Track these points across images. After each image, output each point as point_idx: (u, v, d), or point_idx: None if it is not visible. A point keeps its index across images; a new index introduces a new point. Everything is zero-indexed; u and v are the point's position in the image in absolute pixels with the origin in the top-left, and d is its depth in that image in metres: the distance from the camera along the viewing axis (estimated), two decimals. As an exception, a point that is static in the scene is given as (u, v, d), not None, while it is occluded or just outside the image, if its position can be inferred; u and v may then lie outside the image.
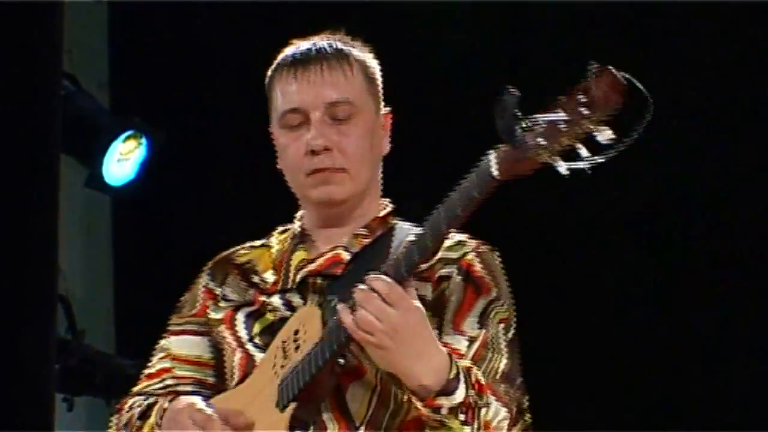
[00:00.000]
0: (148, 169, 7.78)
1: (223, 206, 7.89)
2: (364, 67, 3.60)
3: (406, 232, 3.50)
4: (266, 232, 3.90)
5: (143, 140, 7.70)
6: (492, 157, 3.09)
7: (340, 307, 3.29)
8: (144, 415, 3.54)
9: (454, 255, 3.47)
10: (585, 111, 2.98)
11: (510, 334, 3.48)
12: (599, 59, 3.23)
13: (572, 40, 7.89)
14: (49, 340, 7.21)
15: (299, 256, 3.58)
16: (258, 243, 3.75)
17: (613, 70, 2.98)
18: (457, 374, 3.23)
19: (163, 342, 3.74)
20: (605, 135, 2.95)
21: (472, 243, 3.51)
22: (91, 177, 7.65)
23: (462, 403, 3.23)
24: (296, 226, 3.65)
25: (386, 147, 3.63)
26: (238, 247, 3.76)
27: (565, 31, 8.05)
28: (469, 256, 3.48)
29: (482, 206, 3.13)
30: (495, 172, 3.07)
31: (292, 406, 3.36)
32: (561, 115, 3.01)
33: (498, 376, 3.42)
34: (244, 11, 7.77)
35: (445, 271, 3.45)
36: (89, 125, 7.75)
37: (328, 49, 3.56)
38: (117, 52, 8.40)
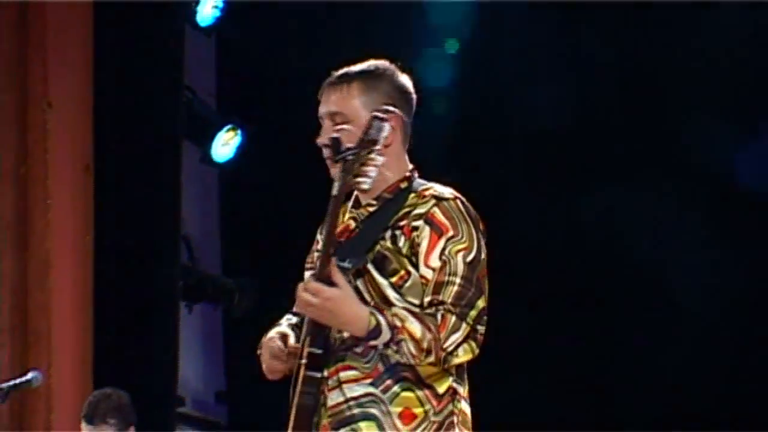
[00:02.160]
0: (243, 151, 9.11)
1: (297, 177, 8.38)
2: (357, 85, 3.84)
3: (415, 186, 3.84)
4: (325, 200, 4.10)
5: (239, 131, 9.06)
6: (335, 183, 3.69)
7: (343, 262, 3.74)
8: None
9: (422, 210, 3.74)
10: (361, 146, 3.62)
11: (469, 258, 3.74)
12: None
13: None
14: (175, 266, 8.71)
15: (346, 217, 3.93)
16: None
17: (372, 114, 3.65)
18: (378, 325, 3.64)
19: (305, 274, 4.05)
20: (373, 162, 3.64)
21: (438, 196, 3.77)
22: (204, 156, 9.05)
23: (390, 339, 3.65)
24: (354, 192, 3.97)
25: (395, 138, 3.82)
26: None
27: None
28: (433, 209, 3.74)
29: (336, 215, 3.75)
30: (335, 192, 3.66)
31: (308, 338, 3.77)
32: (352, 150, 3.63)
33: (451, 296, 3.71)
34: (309, 38, 8.95)
35: (415, 223, 3.73)
36: (202, 120, 9.11)
37: (334, 75, 3.89)
38: (220, 73, 9.55)
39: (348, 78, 3.80)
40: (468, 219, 3.74)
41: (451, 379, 3.77)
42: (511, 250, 5.97)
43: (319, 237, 3.91)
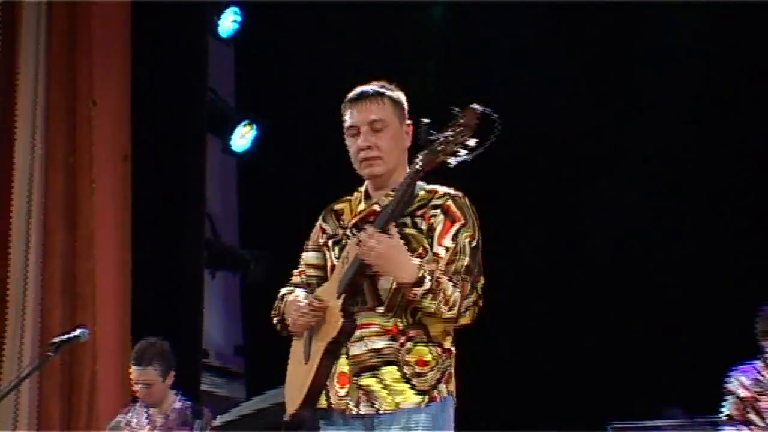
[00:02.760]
0: (258, 142, 9.19)
1: (303, 165, 8.95)
2: (389, 100, 3.93)
3: (418, 188, 3.88)
4: (326, 184, 4.49)
5: (255, 125, 9.14)
6: (419, 157, 3.64)
7: (350, 242, 3.83)
8: (284, 298, 4.01)
9: (438, 202, 3.82)
10: (460, 130, 3.51)
11: (474, 244, 3.82)
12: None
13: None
14: (200, 239, 8.79)
15: (361, 206, 3.97)
16: (349, 197, 4.05)
17: (475, 106, 3.53)
18: (423, 276, 3.67)
19: (303, 255, 4.09)
20: (471, 142, 3.50)
21: (450, 193, 3.85)
22: (224, 147, 9.17)
23: (428, 290, 3.68)
24: (363, 188, 4.00)
25: (408, 143, 3.94)
26: (340, 199, 4.07)
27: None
28: (448, 202, 3.83)
29: (416, 182, 3.70)
30: (419, 165, 3.63)
31: (342, 296, 3.79)
32: (447, 133, 3.53)
33: (462, 269, 3.77)
34: (313, 47, 8.98)
35: (433, 212, 3.81)
36: (223, 116, 9.18)
37: (369, 92, 3.95)
38: (238, 76, 9.58)
39: (381, 94, 3.89)
40: (472, 213, 3.83)
41: (449, 339, 3.84)
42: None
43: (321, 223, 4.00)
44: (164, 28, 8.42)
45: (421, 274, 3.65)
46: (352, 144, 3.88)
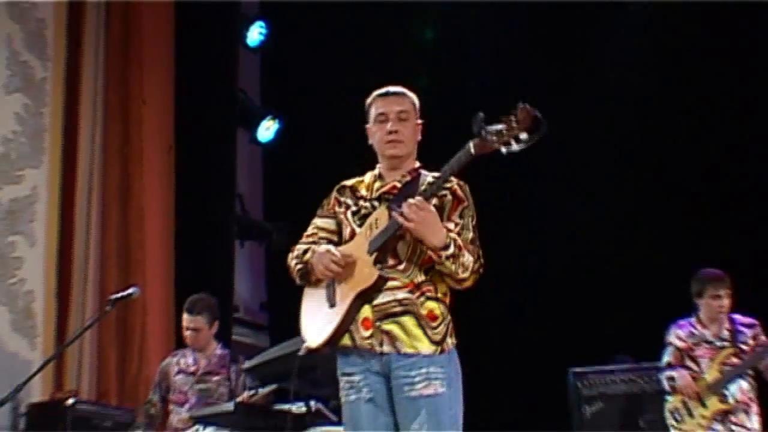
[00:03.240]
0: (280, 134, 9.13)
1: (318, 152, 8.77)
2: (410, 98, 3.90)
3: (424, 176, 3.83)
4: (336, 168, 4.25)
5: (277, 119, 9.09)
6: (471, 144, 3.49)
7: (399, 208, 3.67)
8: (304, 253, 3.88)
9: (448, 186, 3.76)
10: (514, 124, 3.41)
11: (474, 222, 3.79)
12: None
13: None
14: (232, 214, 8.79)
15: (377, 184, 3.89)
16: (360, 177, 3.96)
17: (527, 106, 3.39)
18: (449, 242, 3.63)
19: (314, 220, 3.97)
20: (524, 135, 3.39)
21: (455, 181, 3.78)
22: (251, 138, 9.12)
23: (451, 254, 3.64)
24: (377, 170, 3.92)
25: (419, 137, 3.89)
26: (351, 179, 3.96)
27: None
28: (455, 186, 3.79)
29: (465, 167, 3.53)
30: (472, 151, 3.50)
31: (375, 253, 3.72)
32: (501, 126, 3.43)
33: (468, 241, 3.75)
34: (327, 55, 8.80)
35: (443, 193, 3.75)
36: (251, 112, 9.12)
37: (396, 90, 3.91)
38: (264, 78, 9.48)
39: (404, 93, 3.89)
40: (471, 198, 3.83)
41: (448, 298, 3.81)
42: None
43: (336, 195, 3.93)
44: (202, 38, 8.36)
45: (448, 240, 3.63)
46: (379, 129, 3.86)
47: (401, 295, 3.72)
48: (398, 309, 3.71)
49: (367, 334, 3.71)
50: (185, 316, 6.16)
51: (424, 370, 3.66)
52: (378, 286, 3.69)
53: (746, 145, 7.78)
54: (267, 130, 9.12)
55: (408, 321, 3.71)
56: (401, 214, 3.59)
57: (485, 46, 8.61)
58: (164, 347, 7.23)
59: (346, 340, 3.75)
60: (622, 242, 8.11)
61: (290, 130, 9.13)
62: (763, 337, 6.19)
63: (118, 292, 5.62)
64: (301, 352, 3.96)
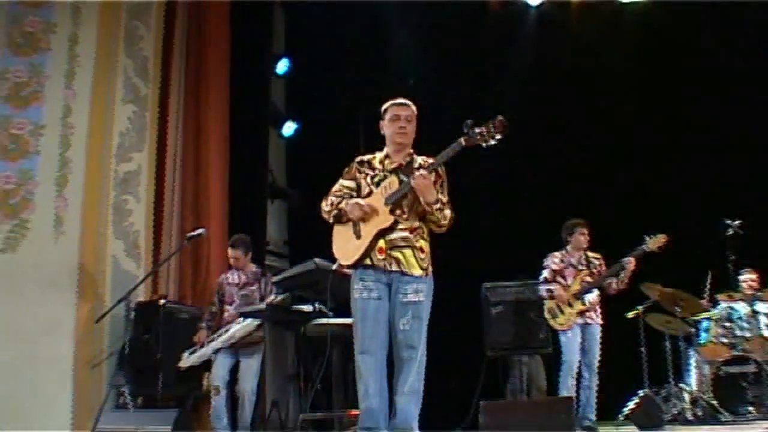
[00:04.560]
0: (298, 131, 9.01)
1: (326, 142, 8.16)
2: (413, 108, 3.86)
3: (416, 158, 3.83)
4: (337, 156, 4.20)
5: (295, 121, 9.00)
6: (462, 139, 3.53)
7: (390, 178, 3.68)
8: (337, 203, 3.85)
9: (432, 166, 3.72)
10: (492, 129, 3.48)
11: (448, 189, 3.81)
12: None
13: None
14: (265, 182, 8.58)
15: (387, 161, 3.86)
16: (372, 155, 3.92)
17: (502, 118, 3.48)
18: (438, 199, 3.68)
19: (340, 180, 3.92)
20: (498, 137, 3.46)
21: (438, 163, 3.74)
22: (279, 134, 9.02)
23: (439, 208, 3.68)
24: (385, 151, 3.89)
25: (414, 135, 3.89)
26: (365, 155, 3.92)
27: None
28: (439, 169, 3.77)
29: (456, 155, 3.54)
30: (463, 143, 3.53)
31: (390, 205, 3.71)
32: (483, 129, 3.48)
33: (445, 201, 3.76)
34: (335, 78, 8.48)
35: (429, 169, 3.70)
36: (278, 116, 8.97)
37: (406, 102, 3.85)
38: (288, 94, 9.21)
39: (410, 105, 3.88)
40: (446, 175, 3.87)
41: (428, 238, 3.86)
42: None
43: (357, 166, 3.89)
44: (246, 69, 8.13)
45: (438, 197, 3.70)
46: (392, 125, 3.81)
47: (405, 234, 3.75)
48: (402, 243, 3.74)
49: (381, 257, 3.74)
50: (229, 250, 6.12)
51: (414, 285, 3.72)
52: (392, 227, 3.72)
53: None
54: (288, 128, 9.11)
55: (408, 252, 3.74)
56: (415, 179, 3.61)
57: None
58: (220, 268, 7.11)
59: (366, 260, 3.80)
60: (534, 200, 7.92)
61: (305, 129, 9.07)
62: (604, 267, 6.18)
63: (191, 231, 5.86)
64: (335, 267, 3.95)
